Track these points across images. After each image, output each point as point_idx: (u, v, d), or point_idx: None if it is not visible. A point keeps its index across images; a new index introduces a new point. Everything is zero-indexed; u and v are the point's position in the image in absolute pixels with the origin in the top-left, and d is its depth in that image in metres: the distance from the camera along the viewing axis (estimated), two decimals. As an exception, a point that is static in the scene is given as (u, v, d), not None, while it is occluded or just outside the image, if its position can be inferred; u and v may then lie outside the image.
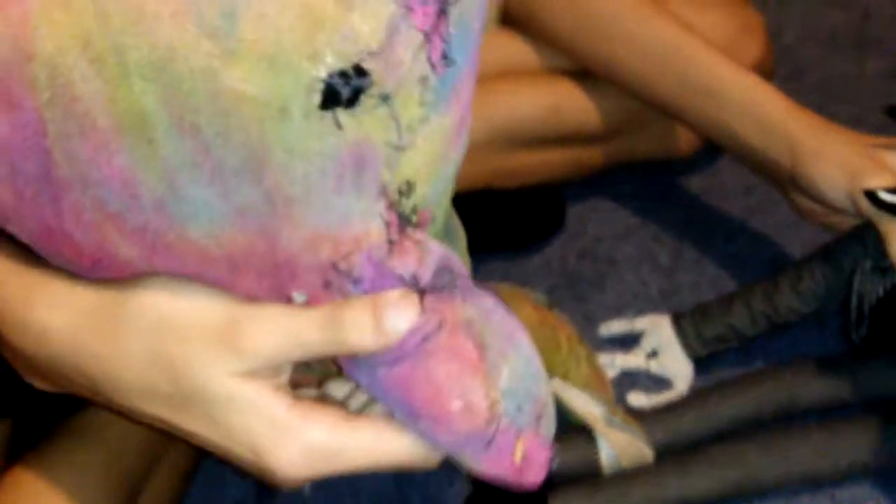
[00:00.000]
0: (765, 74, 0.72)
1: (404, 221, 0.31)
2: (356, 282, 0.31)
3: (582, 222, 0.75)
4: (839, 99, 0.81)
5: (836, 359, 0.60)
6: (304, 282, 0.31)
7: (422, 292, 0.31)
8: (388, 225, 0.30)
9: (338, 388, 0.35)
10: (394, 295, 0.30)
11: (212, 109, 0.28)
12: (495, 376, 0.31)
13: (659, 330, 0.63)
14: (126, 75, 0.27)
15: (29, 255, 0.33)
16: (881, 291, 0.55)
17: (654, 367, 0.63)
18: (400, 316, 0.30)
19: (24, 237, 0.32)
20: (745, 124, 0.59)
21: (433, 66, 0.29)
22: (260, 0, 0.27)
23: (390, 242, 0.31)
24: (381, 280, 0.31)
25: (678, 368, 0.62)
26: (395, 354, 0.31)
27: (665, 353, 0.63)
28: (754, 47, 0.72)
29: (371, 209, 0.30)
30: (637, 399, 0.62)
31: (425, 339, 0.31)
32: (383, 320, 0.30)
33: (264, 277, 0.31)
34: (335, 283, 0.31)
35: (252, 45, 0.27)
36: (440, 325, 0.31)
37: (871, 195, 0.50)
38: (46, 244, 0.32)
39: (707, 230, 0.73)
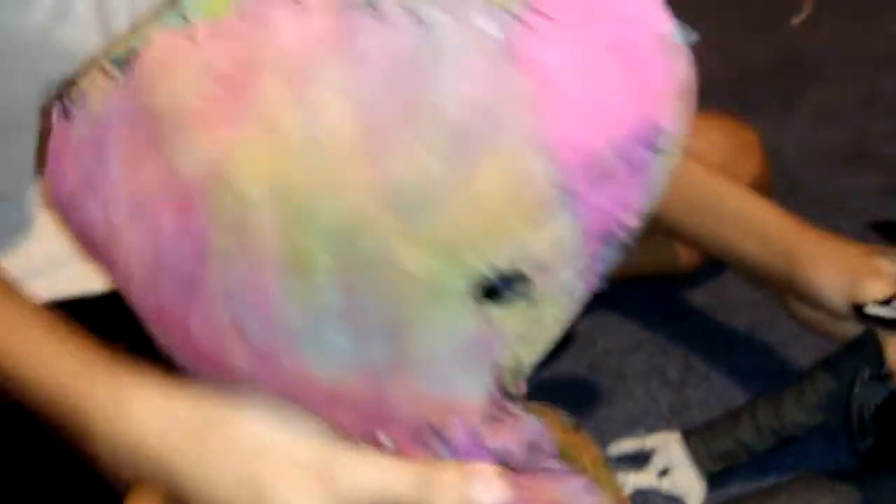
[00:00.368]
0: (763, 190, 0.74)
1: (505, 394, 0.33)
2: (447, 444, 0.32)
3: (591, 336, 0.76)
4: (837, 215, 0.83)
5: (846, 472, 0.59)
6: (397, 430, 0.33)
7: (513, 469, 0.32)
8: (491, 399, 0.32)
9: None
10: (486, 471, 0.31)
11: (376, 276, 0.29)
12: None
13: (669, 447, 0.63)
14: (307, 223, 0.29)
15: (119, 356, 0.35)
16: (879, 400, 0.55)
17: (665, 485, 0.63)
18: (489, 494, 0.30)
19: (144, 314, 0.34)
20: (743, 236, 0.61)
21: (586, 282, 0.31)
22: (453, 194, 0.28)
23: (489, 416, 0.32)
24: (472, 448, 0.32)
25: (690, 486, 0.62)
26: None
27: (676, 471, 0.63)
28: (751, 164, 0.75)
29: (480, 384, 0.32)
30: None
31: None
32: (472, 495, 0.30)
33: (359, 415, 0.33)
34: (426, 439, 0.32)
35: (433, 233, 0.28)
36: None
37: (858, 309, 0.51)
38: (163, 329, 0.34)
39: (714, 344, 0.74)
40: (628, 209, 0.30)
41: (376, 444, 0.33)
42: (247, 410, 0.33)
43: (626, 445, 0.66)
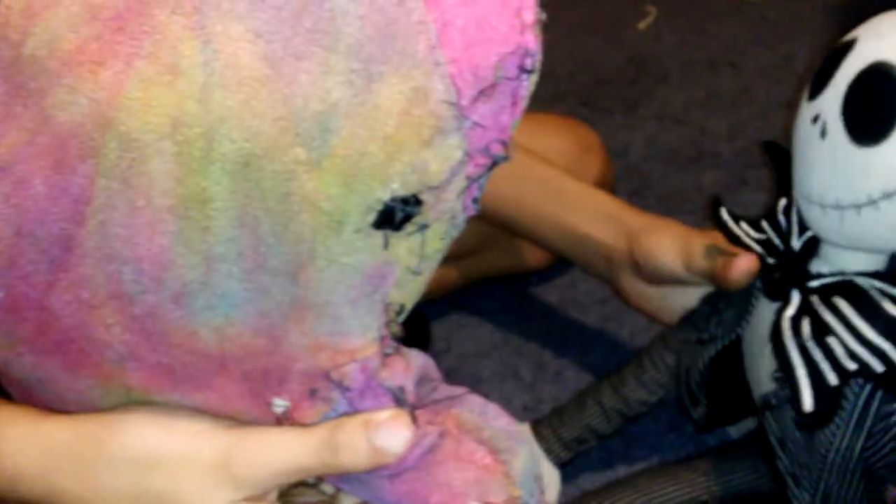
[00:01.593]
0: (606, 188, 0.76)
1: (389, 337, 0.33)
2: (345, 391, 0.32)
3: (447, 341, 0.76)
4: (680, 210, 0.87)
5: (691, 461, 0.61)
6: (291, 388, 0.32)
7: (413, 407, 0.32)
8: (382, 339, 0.32)
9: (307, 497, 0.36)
10: (385, 415, 0.31)
11: (278, 210, 0.28)
12: (513, 474, 0.33)
13: None
14: (207, 162, 0.28)
15: None
16: (702, 364, 0.55)
17: None
18: (394, 436, 0.30)
19: None
20: (584, 218, 0.63)
21: (465, 208, 0.32)
22: (354, 120, 0.28)
23: (383, 355, 0.32)
24: (369, 391, 0.32)
25: (545, 477, 0.60)
26: (397, 469, 0.32)
27: None
28: (595, 164, 0.77)
29: (373, 324, 0.32)
30: None
31: (429, 450, 0.32)
32: (378, 442, 0.30)
33: (248, 381, 0.31)
34: (322, 391, 0.32)
35: (336, 160, 0.28)
36: (442, 436, 0.32)
37: (718, 218, 0.51)
38: (10, 327, 0.31)
39: (565, 342, 0.75)
40: (504, 127, 0.31)
41: (268, 414, 0.32)
42: (131, 422, 0.31)
43: None
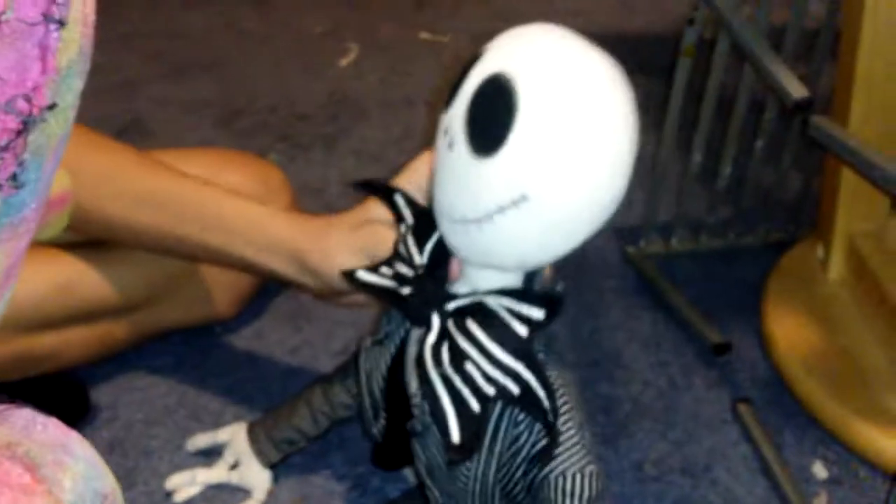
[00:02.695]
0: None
1: None
2: None
3: (112, 409, 0.67)
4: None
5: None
6: None
7: None
8: None
9: None
10: None
11: None
12: (58, 491, 0.30)
13: (237, 440, 0.62)
14: None
15: None
16: (384, 367, 0.51)
17: (235, 478, 0.62)
18: None
19: None
20: (252, 251, 0.59)
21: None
22: None
23: None
24: None
25: (254, 477, 0.62)
26: None
27: (243, 463, 0.62)
28: (278, 200, 0.73)
29: None
30: None
31: None
32: None
33: None
34: None
35: None
36: None
37: (349, 276, 0.49)
38: None
39: (252, 397, 0.69)
40: (34, 84, 0.27)
41: None
42: None
43: (200, 440, 0.64)
